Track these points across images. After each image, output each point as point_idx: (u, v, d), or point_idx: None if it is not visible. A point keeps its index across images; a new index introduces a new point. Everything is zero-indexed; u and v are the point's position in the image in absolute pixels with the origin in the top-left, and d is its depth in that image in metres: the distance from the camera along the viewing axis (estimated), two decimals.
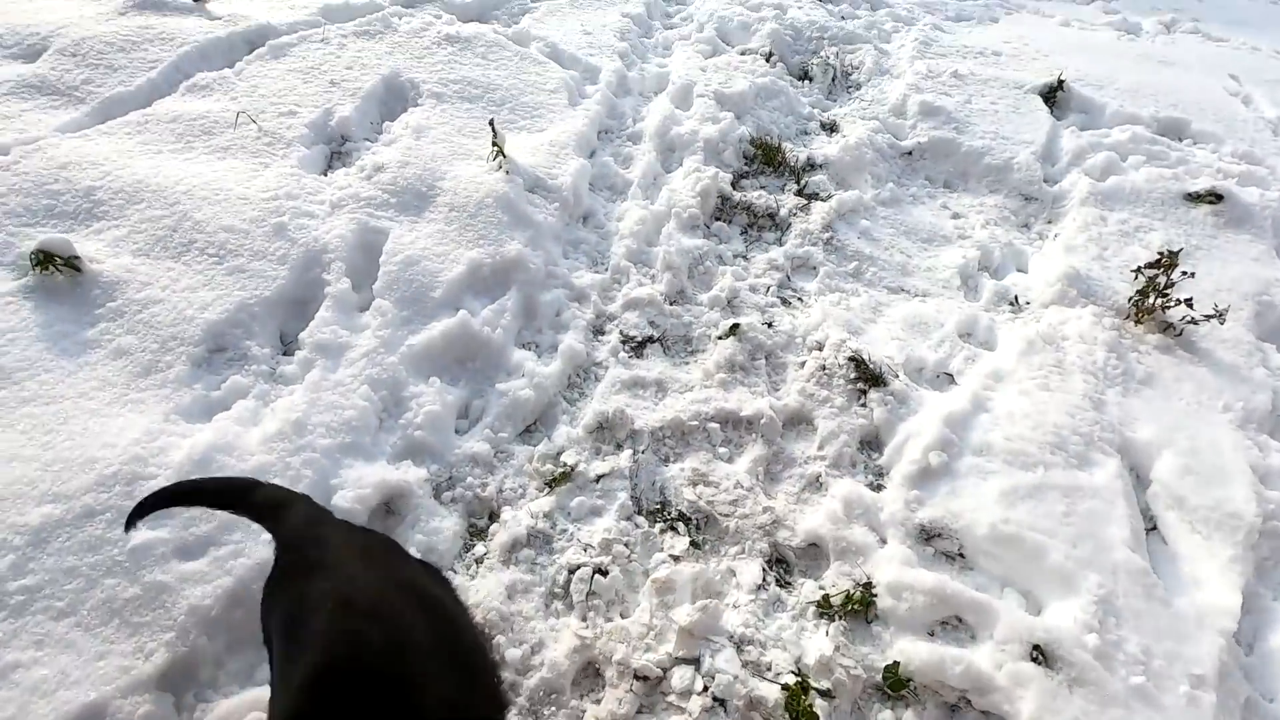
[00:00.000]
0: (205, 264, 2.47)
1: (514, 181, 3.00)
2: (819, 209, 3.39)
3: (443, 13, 4.34)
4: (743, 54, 4.57)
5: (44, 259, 2.32)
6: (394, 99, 3.58)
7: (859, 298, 2.99)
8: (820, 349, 2.69)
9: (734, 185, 3.50)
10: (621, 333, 2.71)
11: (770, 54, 4.58)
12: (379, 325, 2.42)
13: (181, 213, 2.62)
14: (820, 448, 2.39)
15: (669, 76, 4.23)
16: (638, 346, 2.68)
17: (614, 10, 4.95)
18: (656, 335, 2.72)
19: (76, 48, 3.52)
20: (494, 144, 3.02)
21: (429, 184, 2.96)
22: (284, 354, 2.38)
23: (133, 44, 3.59)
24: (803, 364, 2.65)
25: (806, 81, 4.51)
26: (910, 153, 3.89)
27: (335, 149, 3.23)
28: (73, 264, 2.35)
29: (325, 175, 3.02)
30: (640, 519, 2.15)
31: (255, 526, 1.69)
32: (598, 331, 2.72)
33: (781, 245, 3.23)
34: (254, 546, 1.77)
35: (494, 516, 2.13)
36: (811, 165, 3.73)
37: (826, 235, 3.27)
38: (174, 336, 2.23)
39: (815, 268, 3.12)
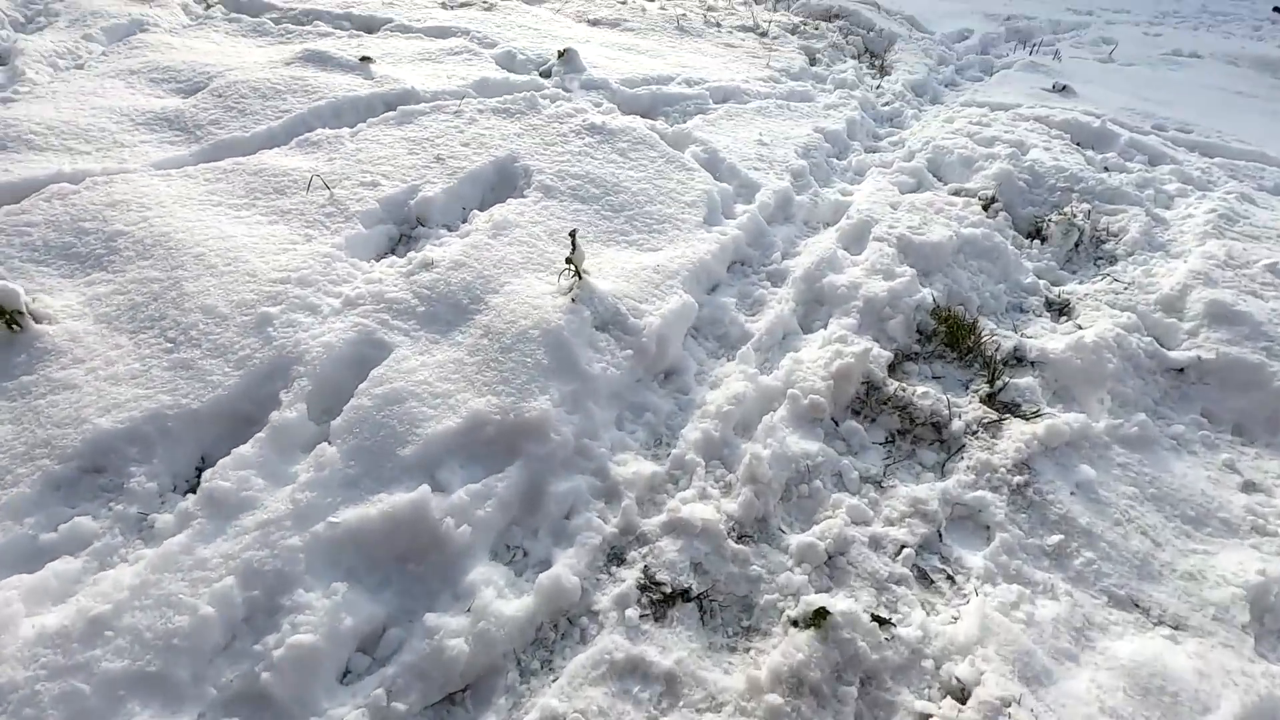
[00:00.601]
0: (155, 349, 1.97)
1: (578, 312, 2.26)
2: (1016, 431, 2.27)
3: (604, 101, 3.86)
4: (955, 194, 3.58)
5: None
6: (502, 185, 3.06)
7: (1054, 603, 1.82)
8: (962, 697, 1.57)
9: (892, 369, 2.48)
10: (647, 571, 1.78)
11: (993, 199, 3.54)
12: (307, 481, 1.73)
13: (175, 279, 2.18)
14: None
15: (849, 208, 3.35)
16: (662, 601, 1.73)
17: (807, 124, 4.20)
18: (698, 589, 1.76)
19: (227, 89, 3.44)
20: (568, 260, 2.32)
21: (475, 296, 2.31)
22: (187, 492, 1.77)
23: (276, 92, 3.46)
24: None
25: (1036, 242, 3.40)
26: (1183, 370, 2.62)
27: (405, 232, 2.72)
28: (15, 319, 1.96)
29: (369, 262, 2.49)
30: None
31: None
32: (614, 558, 1.83)
33: (942, 478, 2.14)
34: None
35: None
36: (1019, 360, 2.61)
37: (1019, 478, 2.13)
38: (47, 441, 1.70)
39: (989, 528, 2.00)
